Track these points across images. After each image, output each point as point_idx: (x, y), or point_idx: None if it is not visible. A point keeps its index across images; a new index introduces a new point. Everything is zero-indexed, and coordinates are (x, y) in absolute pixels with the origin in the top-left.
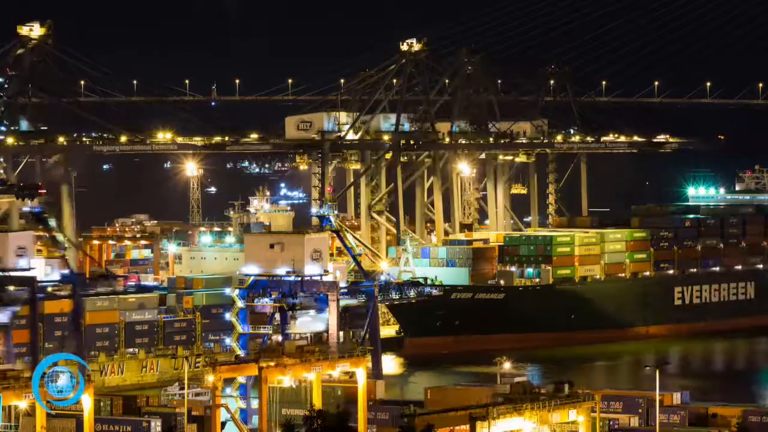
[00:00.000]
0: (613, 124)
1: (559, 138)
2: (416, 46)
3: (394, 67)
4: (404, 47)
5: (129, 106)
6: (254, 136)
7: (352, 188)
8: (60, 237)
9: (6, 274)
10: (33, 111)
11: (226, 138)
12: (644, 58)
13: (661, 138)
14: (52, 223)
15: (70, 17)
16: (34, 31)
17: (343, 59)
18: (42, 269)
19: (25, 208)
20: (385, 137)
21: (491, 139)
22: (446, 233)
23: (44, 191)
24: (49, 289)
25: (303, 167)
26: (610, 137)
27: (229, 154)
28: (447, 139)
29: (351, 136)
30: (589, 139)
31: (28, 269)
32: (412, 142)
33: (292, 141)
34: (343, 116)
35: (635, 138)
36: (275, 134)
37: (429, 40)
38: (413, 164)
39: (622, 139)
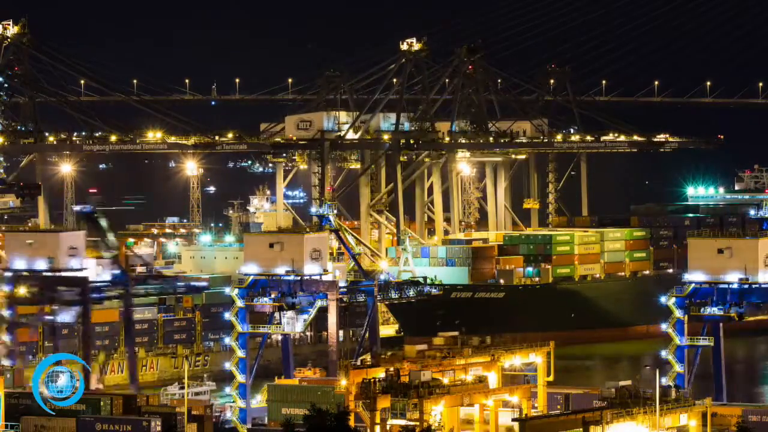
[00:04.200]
0: (612, 123)
1: (559, 138)
2: (416, 46)
3: (394, 66)
4: (404, 47)
5: (116, 106)
6: (230, 135)
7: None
8: (111, 237)
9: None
10: (25, 110)
11: (217, 137)
12: (644, 58)
13: (661, 138)
14: (103, 223)
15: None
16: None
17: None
18: (93, 269)
19: (76, 208)
20: (385, 137)
21: (491, 138)
22: (446, 232)
23: (96, 190)
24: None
25: (303, 166)
26: (610, 137)
27: (229, 153)
28: (447, 139)
29: (351, 135)
30: (589, 138)
31: (81, 269)
32: (411, 142)
33: (288, 141)
34: (343, 116)
35: (635, 138)
36: (250, 134)
37: (429, 39)
38: (413, 163)
39: (622, 138)
